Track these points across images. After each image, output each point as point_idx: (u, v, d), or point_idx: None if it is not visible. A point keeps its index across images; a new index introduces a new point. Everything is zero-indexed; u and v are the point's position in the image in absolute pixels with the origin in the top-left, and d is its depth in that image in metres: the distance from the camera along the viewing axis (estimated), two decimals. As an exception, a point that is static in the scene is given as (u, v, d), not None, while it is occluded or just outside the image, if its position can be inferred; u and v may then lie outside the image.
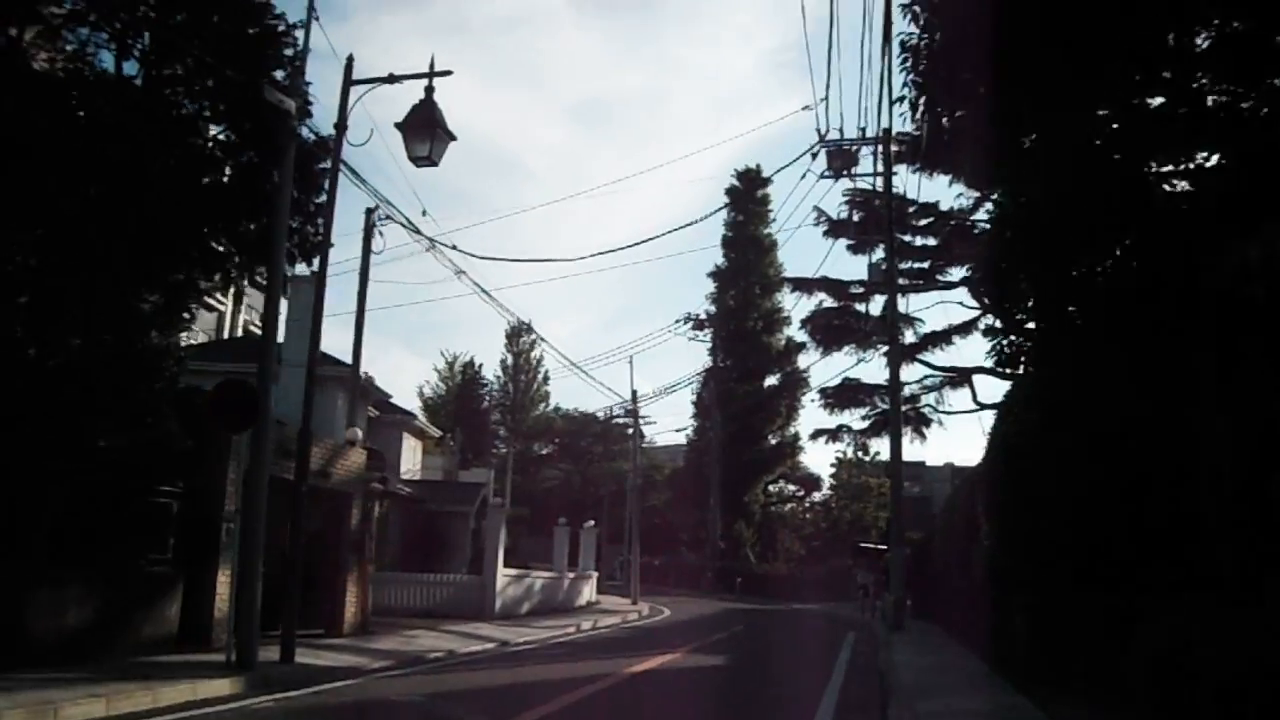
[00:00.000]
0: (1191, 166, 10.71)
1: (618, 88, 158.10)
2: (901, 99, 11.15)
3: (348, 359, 28.12)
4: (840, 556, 59.38)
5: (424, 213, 29.39)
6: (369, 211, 25.47)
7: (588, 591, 38.97)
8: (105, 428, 14.28)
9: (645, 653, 20.15)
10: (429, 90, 16.58)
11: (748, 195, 67.70)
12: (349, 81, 17.22)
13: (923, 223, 42.73)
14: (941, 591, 27.40)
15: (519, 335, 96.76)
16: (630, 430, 59.13)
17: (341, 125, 17.09)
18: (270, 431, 15.09)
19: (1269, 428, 9.23)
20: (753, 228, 67.92)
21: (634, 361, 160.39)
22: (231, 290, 29.44)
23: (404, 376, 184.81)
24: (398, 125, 16.40)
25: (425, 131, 16.24)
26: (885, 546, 34.69)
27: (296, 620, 15.64)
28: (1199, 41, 10.24)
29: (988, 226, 38.46)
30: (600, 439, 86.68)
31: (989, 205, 19.51)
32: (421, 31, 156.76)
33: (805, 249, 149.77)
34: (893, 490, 31.59)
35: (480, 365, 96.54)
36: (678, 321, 60.83)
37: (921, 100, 10.79)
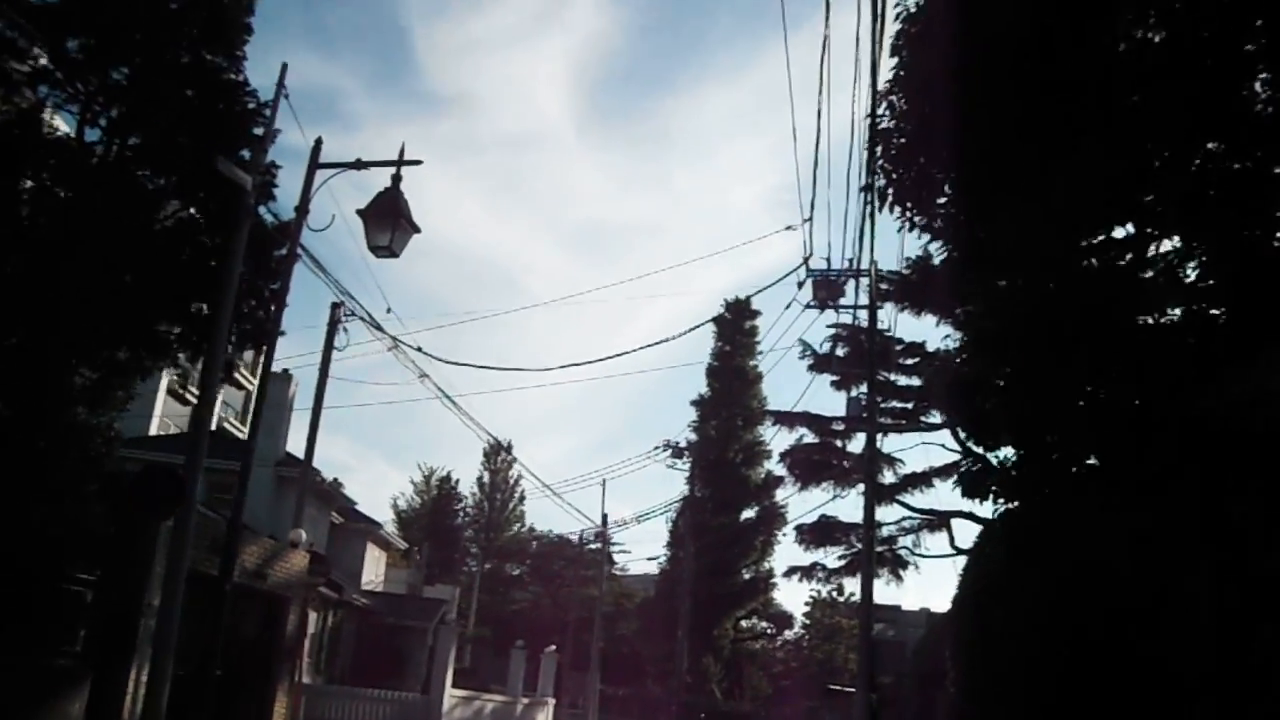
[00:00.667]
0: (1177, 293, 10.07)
1: (620, 215, 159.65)
2: (870, 186, 10.65)
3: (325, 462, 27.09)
4: (810, 698, 57.72)
5: (388, 310, 29.10)
6: (334, 306, 24.77)
7: (543, 719, 37.44)
8: (15, 502, 13.35)
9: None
10: (395, 179, 15.93)
11: (735, 325, 67.27)
12: (314, 165, 16.68)
13: (908, 362, 42.18)
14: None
15: (497, 453, 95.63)
16: (600, 555, 57.85)
17: (303, 208, 16.53)
18: (192, 522, 14.11)
19: (1257, 579, 8.43)
20: (739, 358, 67.30)
21: (610, 486, 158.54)
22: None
23: (384, 488, 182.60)
24: (359, 212, 15.72)
25: (387, 221, 15.54)
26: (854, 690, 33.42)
27: (207, 726, 14.53)
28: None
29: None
30: (573, 563, 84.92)
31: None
32: (430, 146, 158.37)
33: (789, 378, 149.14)
34: (861, 632, 30.34)
35: (457, 480, 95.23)
36: (656, 448, 59.65)
37: (890, 190, 10.30)
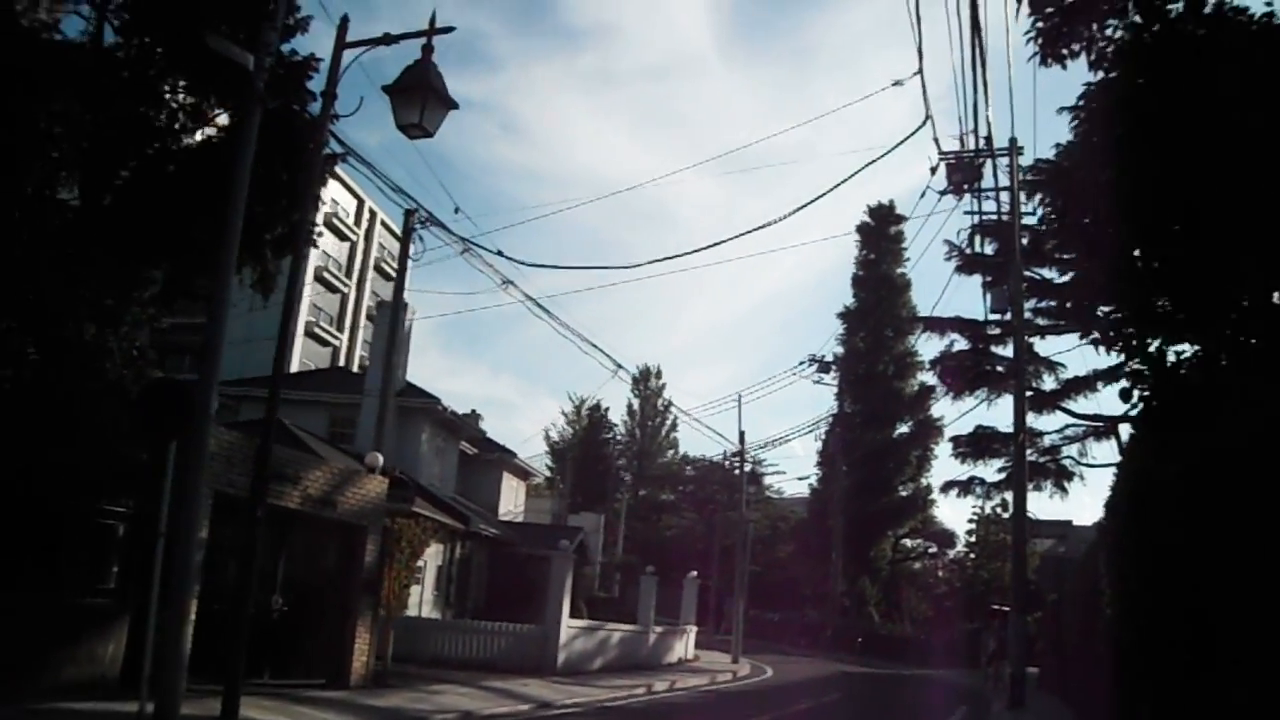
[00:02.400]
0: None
1: (767, 137, 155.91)
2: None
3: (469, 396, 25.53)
4: (973, 618, 54.92)
5: (456, 210, 26.78)
6: (408, 214, 22.87)
7: (681, 647, 35.68)
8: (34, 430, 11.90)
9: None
10: (426, 49, 13.84)
11: (880, 232, 64.19)
12: (341, 44, 14.64)
13: (1066, 255, 38.64)
14: (1072, 664, 23.52)
15: (646, 379, 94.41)
16: (746, 475, 55.84)
17: (330, 92, 14.54)
18: (207, 440, 12.37)
19: None
20: (885, 266, 64.17)
21: (760, 409, 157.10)
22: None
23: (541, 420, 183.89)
24: (385, 88, 13.69)
25: (416, 95, 13.47)
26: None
27: (242, 667, 12.87)
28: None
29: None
30: (725, 488, 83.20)
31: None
32: (570, 79, 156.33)
33: (939, 285, 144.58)
34: (1014, 546, 27.85)
35: (607, 409, 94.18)
36: (801, 363, 57.12)
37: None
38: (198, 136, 16.97)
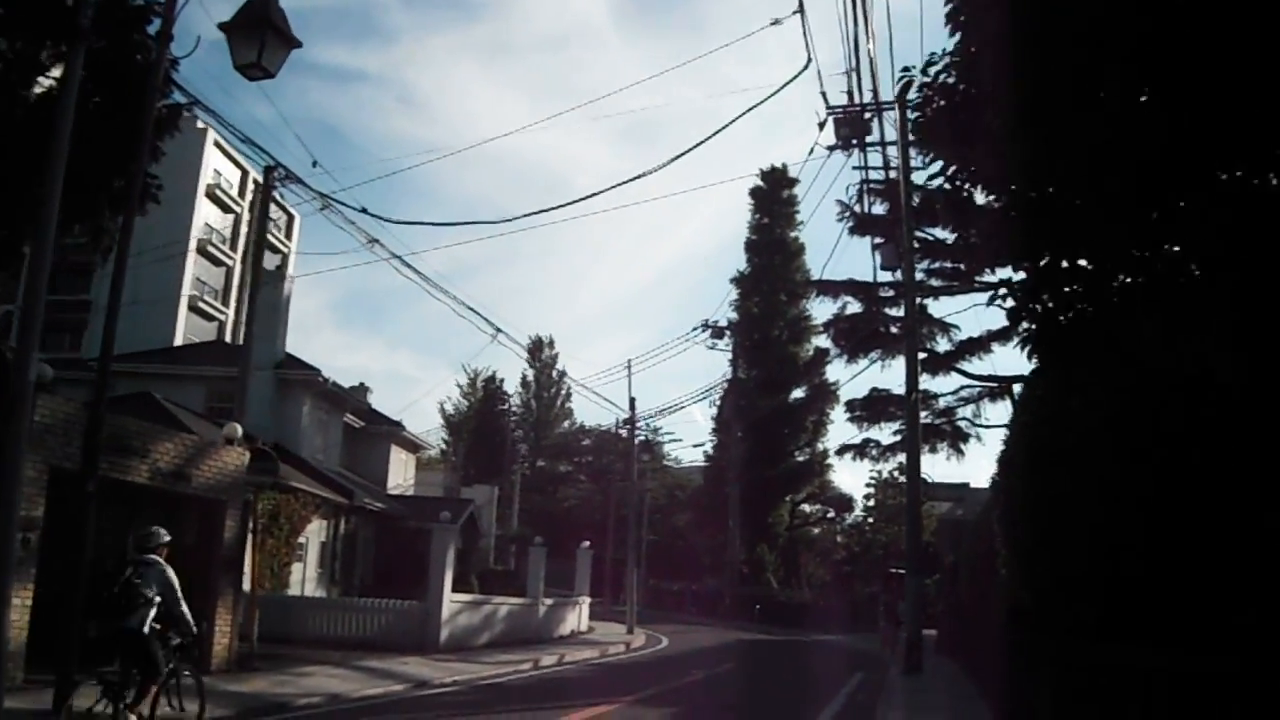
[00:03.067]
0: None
1: (665, 107, 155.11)
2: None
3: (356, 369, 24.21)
4: (873, 583, 54.97)
5: (314, 164, 25.35)
6: (267, 170, 21.46)
7: (574, 619, 34.83)
8: None
9: (578, 702, 16.15)
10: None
11: (773, 195, 63.64)
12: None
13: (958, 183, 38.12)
14: (968, 627, 23.15)
15: (540, 350, 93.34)
16: (641, 444, 55.20)
17: (165, 32, 13.29)
18: (26, 412, 11.17)
19: None
20: (778, 230, 63.64)
21: (655, 378, 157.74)
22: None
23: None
24: (221, 26, 12.44)
25: (254, 32, 12.22)
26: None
27: (76, 654, 11.68)
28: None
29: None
30: (622, 456, 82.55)
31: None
32: (467, 51, 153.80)
33: (833, 254, 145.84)
34: (909, 506, 27.46)
35: (502, 380, 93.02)
36: (695, 329, 56.51)
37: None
38: (36, 90, 15.60)
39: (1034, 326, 9.30)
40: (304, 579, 31.39)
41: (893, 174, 31.96)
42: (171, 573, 10.80)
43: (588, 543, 39.32)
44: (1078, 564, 8.86)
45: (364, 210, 21.05)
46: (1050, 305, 9.14)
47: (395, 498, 41.83)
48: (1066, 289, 8.96)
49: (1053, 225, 8.52)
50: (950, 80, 10.19)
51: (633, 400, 42.04)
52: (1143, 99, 8.00)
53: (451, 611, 24.73)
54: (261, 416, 34.02)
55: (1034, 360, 9.86)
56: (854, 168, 31.12)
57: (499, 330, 27.48)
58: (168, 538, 11.04)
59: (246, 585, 18.95)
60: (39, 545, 13.49)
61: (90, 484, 11.96)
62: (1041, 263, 8.97)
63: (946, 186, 12.52)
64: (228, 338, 64.06)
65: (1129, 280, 8.63)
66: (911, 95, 12.83)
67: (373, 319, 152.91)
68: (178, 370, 36.24)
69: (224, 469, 17.17)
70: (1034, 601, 10.88)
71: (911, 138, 27.43)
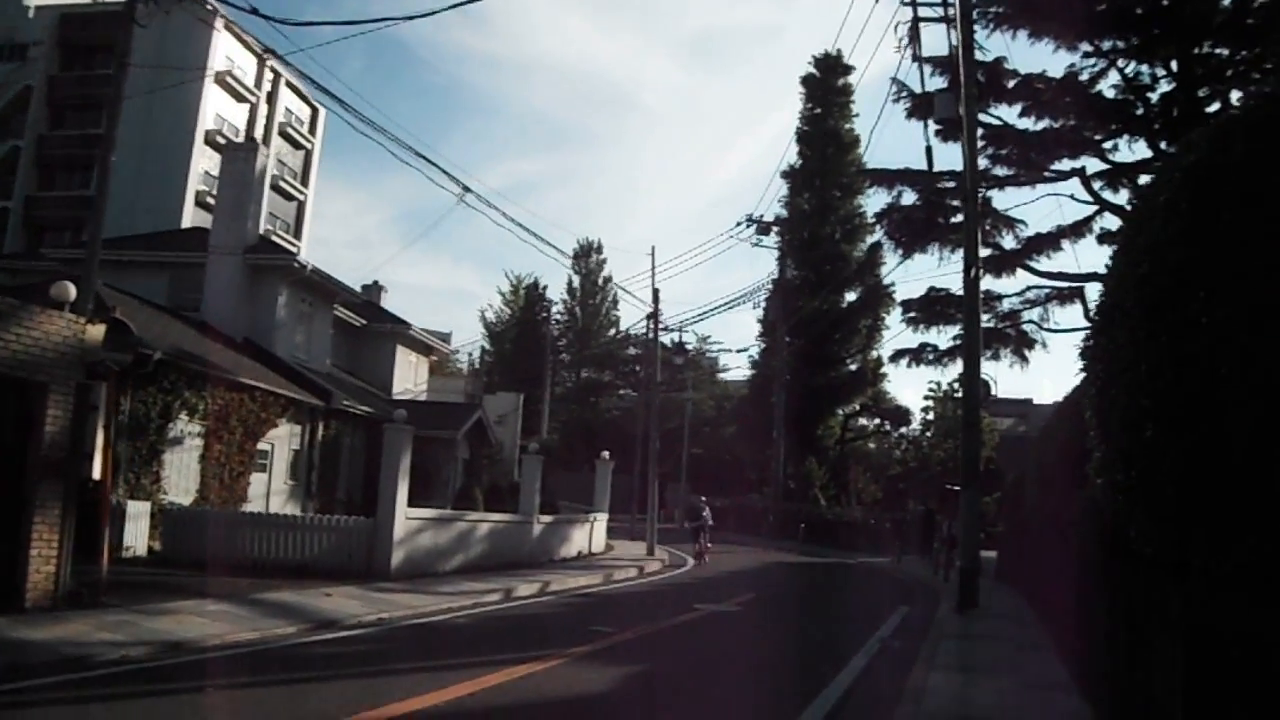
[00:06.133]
0: None
1: (732, 22, 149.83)
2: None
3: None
4: (928, 501, 50.57)
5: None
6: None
7: (582, 538, 30.68)
8: None
9: (509, 656, 11.88)
10: None
11: (826, 84, 58.43)
12: None
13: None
14: (1034, 554, 18.64)
15: (587, 255, 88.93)
16: (681, 348, 50.97)
17: None
18: None
19: None
20: (832, 121, 58.45)
21: (693, 285, 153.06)
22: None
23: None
24: None
25: None
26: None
27: None
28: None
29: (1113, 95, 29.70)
30: (668, 366, 78.15)
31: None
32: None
33: (873, 133, 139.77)
34: (965, 403, 23.02)
35: (545, 287, 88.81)
36: (739, 224, 51.67)
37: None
38: None
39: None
40: (268, 492, 27.51)
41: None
42: None
43: (607, 453, 35.10)
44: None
45: (253, 11, 16.58)
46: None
47: (398, 403, 37.78)
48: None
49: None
50: None
51: (656, 292, 37.52)
52: None
53: (408, 530, 20.57)
54: (227, 307, 30.12)
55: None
56: (903, 3, 26.14)
57: (467, 189, 22.77)
58: None
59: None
60: None
61: None
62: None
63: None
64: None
65: None
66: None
67: (436, 235, 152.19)
68: (139, 256, 32.23)
69: (44, 340, 12.84)
70: (1153, 528, 6.42)
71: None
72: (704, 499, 39.48)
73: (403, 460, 20.39)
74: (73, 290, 13.66)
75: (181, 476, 23.66)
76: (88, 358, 13.66)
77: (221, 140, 60.37)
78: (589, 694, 10.24)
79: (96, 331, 14.03)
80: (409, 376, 42.42)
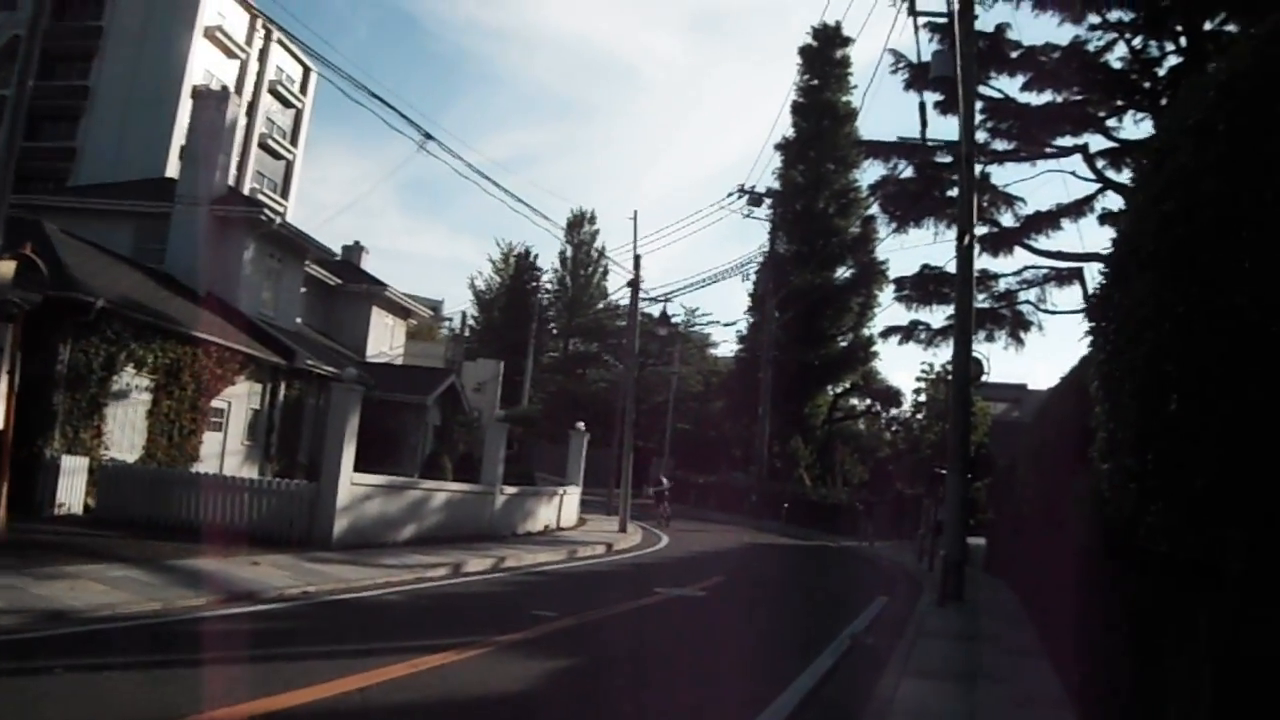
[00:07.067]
0: None
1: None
2: None
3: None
4: (915, 484, 49.38)
5: None
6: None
7: (549, 512, 29.40)
8: None
9: (439, 641, 10.63)
10: None
11: (823, 55, 57.00)
12: None
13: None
14: (1027, 544, 17.33)
15: (580, 225, 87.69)
16: (667, 319, 49.70)
17: None
18: None
19: None
20: (829, 92, 56.99)
21: (686, 259, 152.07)
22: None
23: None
24: None
25: None
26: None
27: None
28: None
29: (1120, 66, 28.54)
30: (658, 339, 76.87)
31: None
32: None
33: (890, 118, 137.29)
34: (955, 382, 21.81)
35: (536, 256, 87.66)
36: (730, 195, 50.25)
37: None
38: None
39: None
40: (223, 452, 26.22)
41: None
42: None
43: (581, 424, 33.86)
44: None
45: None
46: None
47: (372, 366, 36.48)
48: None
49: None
50: None
51: (637, 258, 36.05)
52: None
53: (353, 497, 19.26)
54: (191, 259, 28.78)
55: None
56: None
57: (429, 137, 21.43)
58: None
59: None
60: None
61: None
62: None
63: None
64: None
65: None
66: None
67: (434, 205, 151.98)
68: (103, 205, 30.88)
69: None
70: (1174, 524, 5.15)
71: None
72: (665, 475, 47.10)
73: (350, 422, 19.05)
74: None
75: (127, 433, 22.46)
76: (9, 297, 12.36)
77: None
78: (500, 693, 8.90)
79: (5, 268, 12.74)
80: (385, 339, 41.16)
